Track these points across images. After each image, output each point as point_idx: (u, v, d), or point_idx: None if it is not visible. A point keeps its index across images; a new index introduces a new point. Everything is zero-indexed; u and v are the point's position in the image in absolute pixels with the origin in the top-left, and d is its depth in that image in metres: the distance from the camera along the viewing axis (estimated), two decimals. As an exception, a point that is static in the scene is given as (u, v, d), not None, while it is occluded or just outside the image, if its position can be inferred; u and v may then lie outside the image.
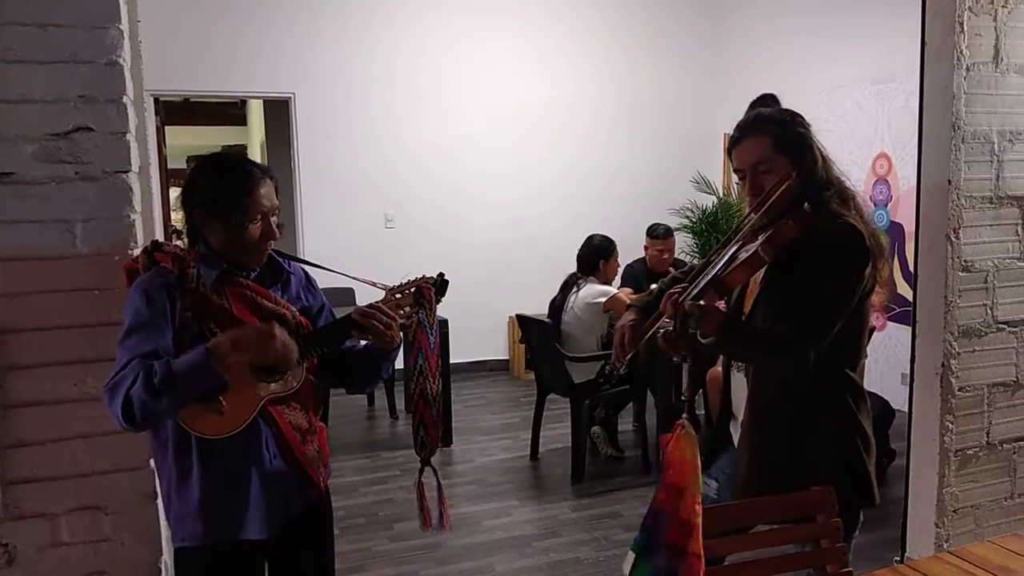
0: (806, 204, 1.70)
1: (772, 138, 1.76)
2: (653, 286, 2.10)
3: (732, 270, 1.63)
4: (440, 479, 1.94)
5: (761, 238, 1.64)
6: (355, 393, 2.42)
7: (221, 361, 1.54)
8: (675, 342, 1.58)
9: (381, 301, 1.78)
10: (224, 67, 5.92)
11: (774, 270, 1.74)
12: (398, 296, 1.80)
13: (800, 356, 1.65)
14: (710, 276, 1.64)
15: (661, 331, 1.60)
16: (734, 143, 1.83)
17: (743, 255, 1.64)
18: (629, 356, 1.87)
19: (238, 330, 1.60)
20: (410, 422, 1.93)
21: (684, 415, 1.43)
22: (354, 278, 1.92)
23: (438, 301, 1.84)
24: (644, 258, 5.11)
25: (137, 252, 1.87)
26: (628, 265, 5.16)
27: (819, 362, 1.67)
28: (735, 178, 1.95)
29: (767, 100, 1.89)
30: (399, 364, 1.90)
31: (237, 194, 1.66)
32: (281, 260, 1.84)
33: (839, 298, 1.69)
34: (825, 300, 1.67)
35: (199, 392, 1.57)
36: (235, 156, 1.83)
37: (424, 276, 1.83)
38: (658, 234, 4.99)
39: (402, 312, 1.79)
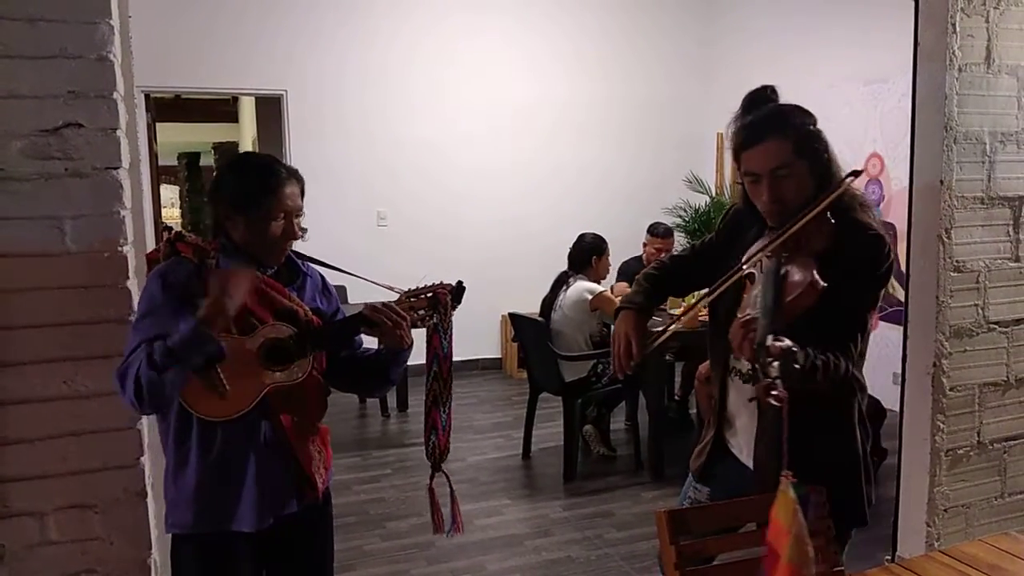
0: (828, 213, 1.62)
1: (793, 142, 1.64)
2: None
3: (793, 300, 1.49)
4: (452, 483, 1.95)
5: (805, 262, 1.54)
6: (366, 398, 2.41)
7: (211, 325, 1.56)
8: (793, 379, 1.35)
9: (396, 303, 1.80)
10: (216, 64, 5.89)
11: None
12: (412, 300, 1.82)
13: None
14: (769, 306, 1.45)
15: (773, 396, 1.34)
16: (748, 143, 1.67)
17: (795, 276, 1.52)
18: (634, 364, 1.79)
19: (210, 286, 1.60)
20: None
21: (787, 472, 1.27)
22: (371, 281, 1.93)
23: (454, 308, 1.85)
24: (640, 256, 5.12)
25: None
26: (624, 262, 5.18)
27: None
28: (731, 178, 1.89)
29: (768, 93, 1.76)
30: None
31: (261, 192, 1.70)
32: (299, 262, 1.86)
33: (871, 311, 1.66)
34: (864, 318, 1.65)
35: (198, 361, 1.57)
36: (265, 156, 1.88)
37: (442, 282, 1.84)
38: (659, 232, 5.08)
39: (415, 314, 1.80)
